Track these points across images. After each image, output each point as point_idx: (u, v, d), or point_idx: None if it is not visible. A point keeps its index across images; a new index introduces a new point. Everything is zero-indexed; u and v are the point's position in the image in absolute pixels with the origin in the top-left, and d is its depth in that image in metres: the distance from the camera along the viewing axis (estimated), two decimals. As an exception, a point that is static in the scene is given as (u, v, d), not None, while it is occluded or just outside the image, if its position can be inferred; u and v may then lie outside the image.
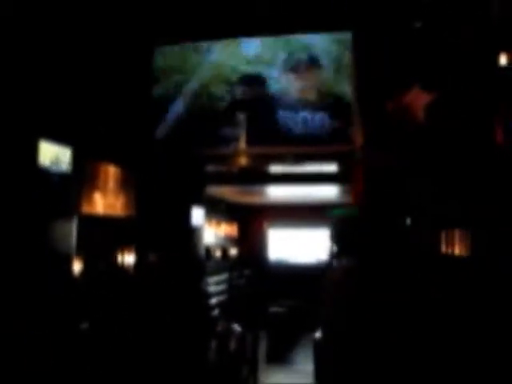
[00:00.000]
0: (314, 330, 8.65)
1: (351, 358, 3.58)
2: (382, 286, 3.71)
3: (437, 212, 4.74)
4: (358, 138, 5.43)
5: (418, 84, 4.27)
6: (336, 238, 3.87)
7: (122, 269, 6.16)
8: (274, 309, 10.20)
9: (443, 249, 4.63)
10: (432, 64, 4.29)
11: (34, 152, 4.34)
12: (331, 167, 7.52)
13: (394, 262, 4.21)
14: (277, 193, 10.64)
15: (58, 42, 4.88)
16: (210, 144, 6.82)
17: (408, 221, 4.91)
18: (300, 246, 13.40)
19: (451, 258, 4.46)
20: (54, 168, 4.60)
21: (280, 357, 9.20)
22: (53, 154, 4.57)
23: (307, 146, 6.33)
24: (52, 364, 4.36)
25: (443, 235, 4.64)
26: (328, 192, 9.72)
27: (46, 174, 4.49)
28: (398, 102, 4.26)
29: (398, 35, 4.66)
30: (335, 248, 3.88)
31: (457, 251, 4.37)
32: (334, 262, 3.93)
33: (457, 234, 4.37)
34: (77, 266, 5.10)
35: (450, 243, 4.49)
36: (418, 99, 4.17)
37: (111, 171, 6.04)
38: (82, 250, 5.14)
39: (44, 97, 4.58)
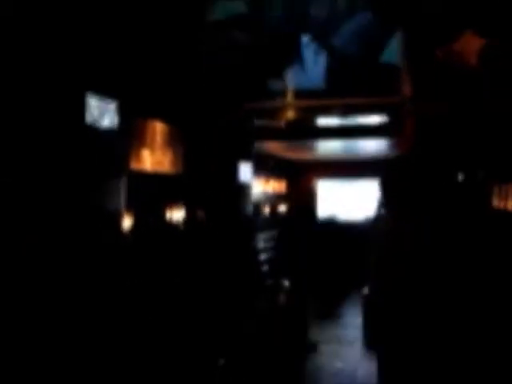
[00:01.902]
0: (361, 287, 8.66)
1: (400, 306, 3.55)
2: (431, 235, 3.64)
3: (491, 164, 4.59)
4: (407, 88, 5.27)
5: (470, 29, 4.07)
6: (384, 187, 3.80)
7: (171, 225, 6.23)
8: (322, 265, 10.22)
9: (496, 203, 4.50)
10: (486, 7, 4.09)
11: (81, 107, 4.37)
12: (379, 119, 7.37)
13: (444, 214, 4.11)
14: (325, 148, 10.54)
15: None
16: (258, 97, 6.76)
17: (460, 175, 4.78)
18: (349, 203, 13.31)
19: (504, 213, 4.33)
20: (102, 124, 4.63)
21: (328, 312, 9.27)
22: (100, 110, 4.59)
23: (355, 98, 6.21)
24: (98, 318, 4.47)
25: (496, 189, 4.50)
26: (376, 145, 9.56)
27: (93, 130, 4.53)
28: (449, 48, 4.09)
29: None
30: (383, 198, 3.82)
31: (510, 206, 4.23)
32: (382, 212, 3.86)
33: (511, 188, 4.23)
34: (126, 222, 5.17)
35: (504, 198, 4.36)
36: (471, 45, 3.99)
37: (158, 127, 6.05)
38: (132, 207, 5.20)
39: (90, 51, 4.56)
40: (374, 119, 7.40)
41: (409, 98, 5.19)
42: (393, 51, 5.97)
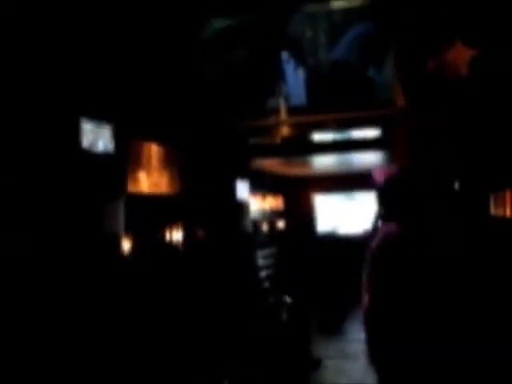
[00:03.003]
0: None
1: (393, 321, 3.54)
2: (425, 250, 3.64)
3: (486, 173, 4.61)
4: (400, 100, 5.31)
5: (460, 40, 4.12)
6: (380, 200, 3.82)
7: (171, 246, 6.23)
8: (323, 280, 10.22)
9: (493, 211, 4.51)
10: (475, 18, 4.14)
11: (76, 132, 4.38)
12: (374, 132, 7.41)
13: (440, 225, 4.12)
14: (321, 162, 10.57)
15: (97, 20, 4.87)
16: (252, 115, 6.80)
17: (456, 185, 4.80)
18: (347, 216, 13.32)
19: (501, 219, 4.35)
20: (97, 148, 4.64)
21: (331, 327, 9.24)
22: (95, 134, 4.60)
23: (348, 112, 6.24)
24: (98, 340, 4.44)
25: (493, 197, 4.52)
26: (372, 158, 9.60)
27: (89, 154, 4.53)
28: (440, 59, 4.13)
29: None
30: (380, 211, 3.84)
31: (508, 213, 4.25)
32: (379, 224, 3.88)
33: (508, 195, 4.25)
34: (126, 245, 5.16)
35: (501, 205, 4.37)
36: (461, 55, 4.03)
37: (154, 149, 6.07)
38: (130, 229, 5.20)
39: (83, 75, 4.58)
40: (368, 133, 7.44)
41: (401, 110, 5.22)
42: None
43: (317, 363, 7.21)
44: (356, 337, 8.38)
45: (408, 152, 4.74)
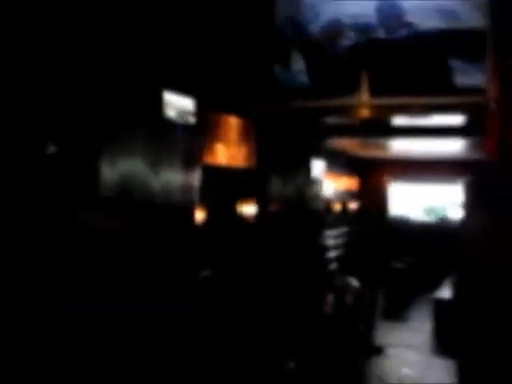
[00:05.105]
0: (431, 290, 8.44)
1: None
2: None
3: None
4: (492, 88, 5.06)
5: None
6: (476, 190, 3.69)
7: (243, 219, 6.25)
8: (392, 265, 10.05)
9: None
10: None
11: (159, 104, 4.44)
12: (457, 119, 7.11)
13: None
14: (399, 146, 10.34)
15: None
16: (331, 94, 6.63)
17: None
18: (421, 203, 13.05)
19: None
20: (179, 119, 4.68)
21: (396, 314, 9.09)
22: (177, 106, 4.65)
23: (434, 97, 5.98)
24: (176, 309, 4.52)
25: None
26: (453, 146, 9.29)
27: (171, 125, 4.59)
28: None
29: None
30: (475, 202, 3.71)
31: None
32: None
33: None
34: (199, 215, 5.21)
35: None
36: None
37: (233, 122, 6.07)
38: (204, 200, 5.24)
39: (166, 49, 4.64)
40: (452, 119, 7.16)
41: (494, 99, 4.98)
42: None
43: (378, 350, 7.12)
44: (421, 326, 8.22)
45: (500, 142, 4.50)
